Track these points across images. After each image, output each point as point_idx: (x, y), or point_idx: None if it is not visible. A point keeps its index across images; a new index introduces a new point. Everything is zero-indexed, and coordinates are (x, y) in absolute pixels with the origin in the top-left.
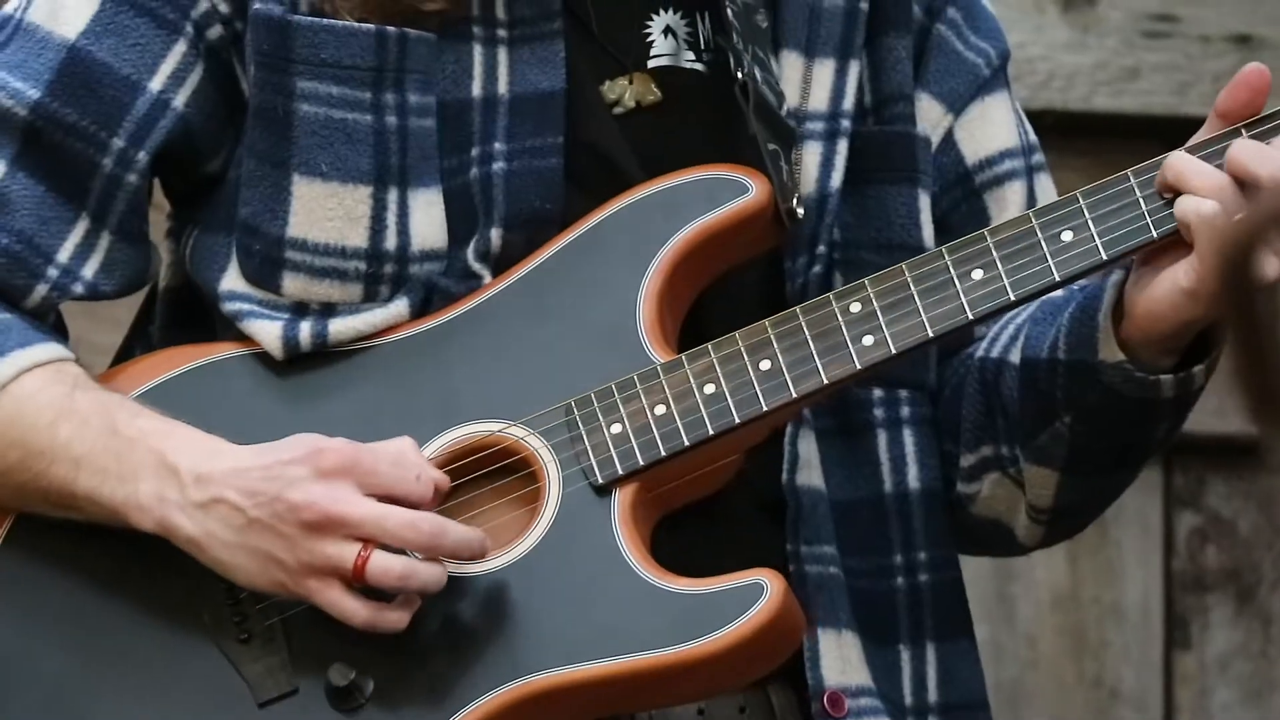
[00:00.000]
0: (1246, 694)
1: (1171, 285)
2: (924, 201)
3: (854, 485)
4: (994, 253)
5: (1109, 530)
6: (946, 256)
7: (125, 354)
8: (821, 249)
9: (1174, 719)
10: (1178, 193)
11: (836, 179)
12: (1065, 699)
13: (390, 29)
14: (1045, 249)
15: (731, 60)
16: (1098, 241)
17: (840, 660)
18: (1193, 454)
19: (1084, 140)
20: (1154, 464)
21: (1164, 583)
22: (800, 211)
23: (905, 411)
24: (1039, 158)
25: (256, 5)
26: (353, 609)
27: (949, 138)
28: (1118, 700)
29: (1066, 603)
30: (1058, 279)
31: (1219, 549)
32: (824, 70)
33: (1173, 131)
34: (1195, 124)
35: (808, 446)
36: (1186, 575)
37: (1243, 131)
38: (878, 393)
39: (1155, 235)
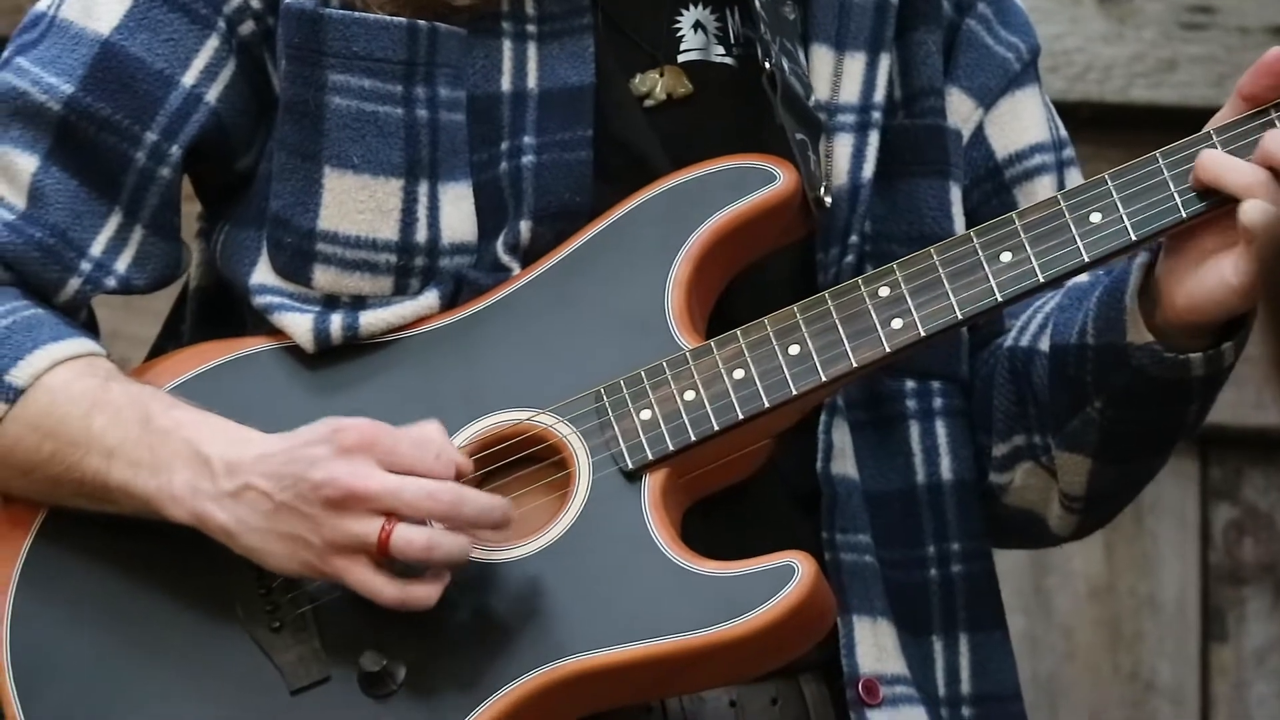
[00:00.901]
0: None
1: (1219, 282)
2: (955, 194)
3: (886, 476)
4: (1022, 235)
5: (1145, 522)
6: (975, 239)
7: (158, 353)
8: (854, 240)
9: (1210, 712)
10: (1211, 189)
11: (868, 170)
12: (1101, 691)
13: (421, 23)
14: (1074, 230)
15: (759, 50)
16: (1127, 223)
17: (876, 648)
18: (1229, 446)
19: (1121, 132)
20: (1190, 456)
21: (1200, 575)
22: (828, 200)
23: (938, 403)
24: (1069, 152)
25: None
26: (381, 585)
27: (979, 132)
28: (1154, 693)
29: (1103, 595)
30: (1087, 260)
31: (1256, 541)
32: (855, 63)
33: None
34: None
35: (841, 436)
36: (1223, 568)
37: (1273, 113)
38: (910, 384)
39: (1184, 215)
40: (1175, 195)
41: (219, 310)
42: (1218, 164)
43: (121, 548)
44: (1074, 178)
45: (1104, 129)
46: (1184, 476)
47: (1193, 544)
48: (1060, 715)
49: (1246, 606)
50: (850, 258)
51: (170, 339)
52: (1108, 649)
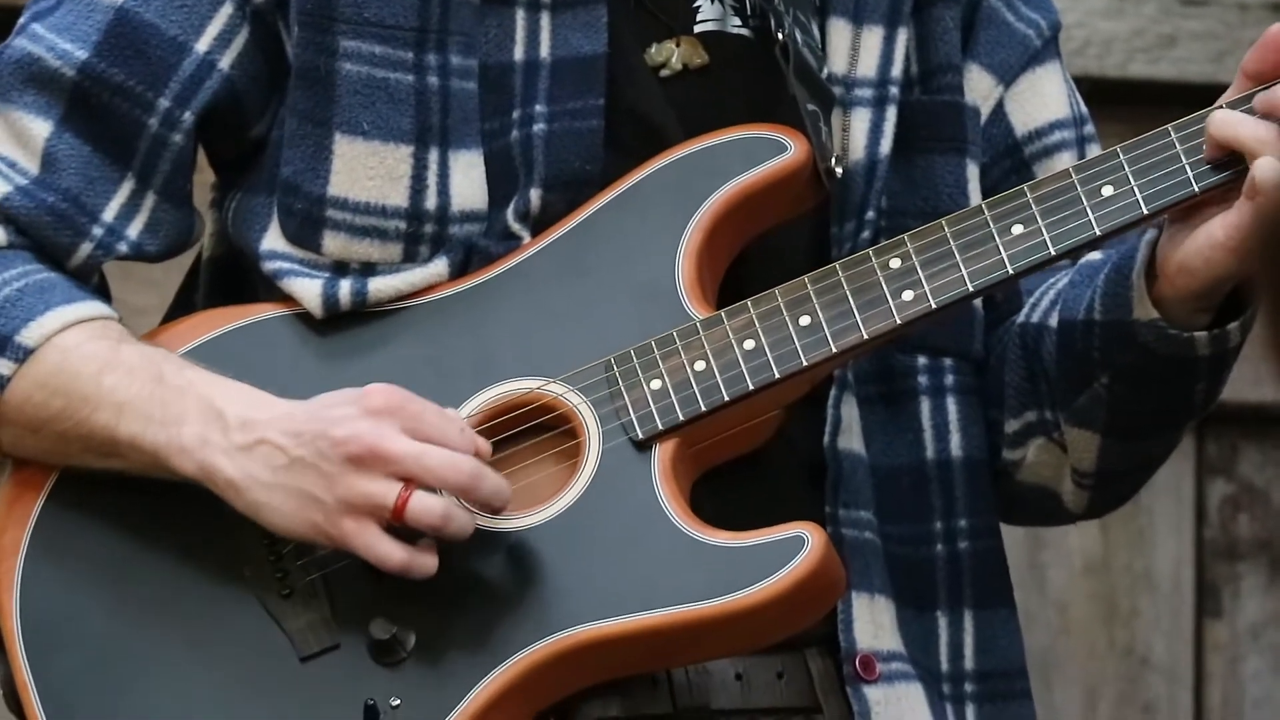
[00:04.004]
0: (1278, 662)
1: (1206, 239)
2: (972, 171)
3: (895, 452)
4: (1034, 207)
5: (1141, 498)
6: (986, 212)
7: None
8: (870, 215)
9: (1204, 687)
10: (1228, 151)
11: (885, 145)
12: (1096, 667)
13: None
14: (1085, 203)
15: (772, 21)
16: (1138, 195)
17: (873, 624)
18: (1226, 423)
19: (1120, 108)
20: (1187, 432)
21: (1195, 551)
22: (839, 171)
23: (949, 380)
24: (1090, 128)
25: None
26: (390, 550)
27: (999, 109)
28: (1148, 668)
29: (1098, 570)
30: (1098, 233)
31: (1251, 517)
32: (872, 37)
33: (1209, 99)
34: None
35: (849, 411)
36: (1218, 544)
37: None
38: (922, 360)
39: (1197, 189)
40: (1188, 168)
41: (231, 280)
42: (1232, 120)
43: (132, 512)
44: (1094, 154)
45: (1103, 104)
46: (1180, 452)
47: (1188, 520)
48: (1055, 690)
49: (1241, 582)
50: (866, 233)
51: (182, 309)
52: (1102, 624)
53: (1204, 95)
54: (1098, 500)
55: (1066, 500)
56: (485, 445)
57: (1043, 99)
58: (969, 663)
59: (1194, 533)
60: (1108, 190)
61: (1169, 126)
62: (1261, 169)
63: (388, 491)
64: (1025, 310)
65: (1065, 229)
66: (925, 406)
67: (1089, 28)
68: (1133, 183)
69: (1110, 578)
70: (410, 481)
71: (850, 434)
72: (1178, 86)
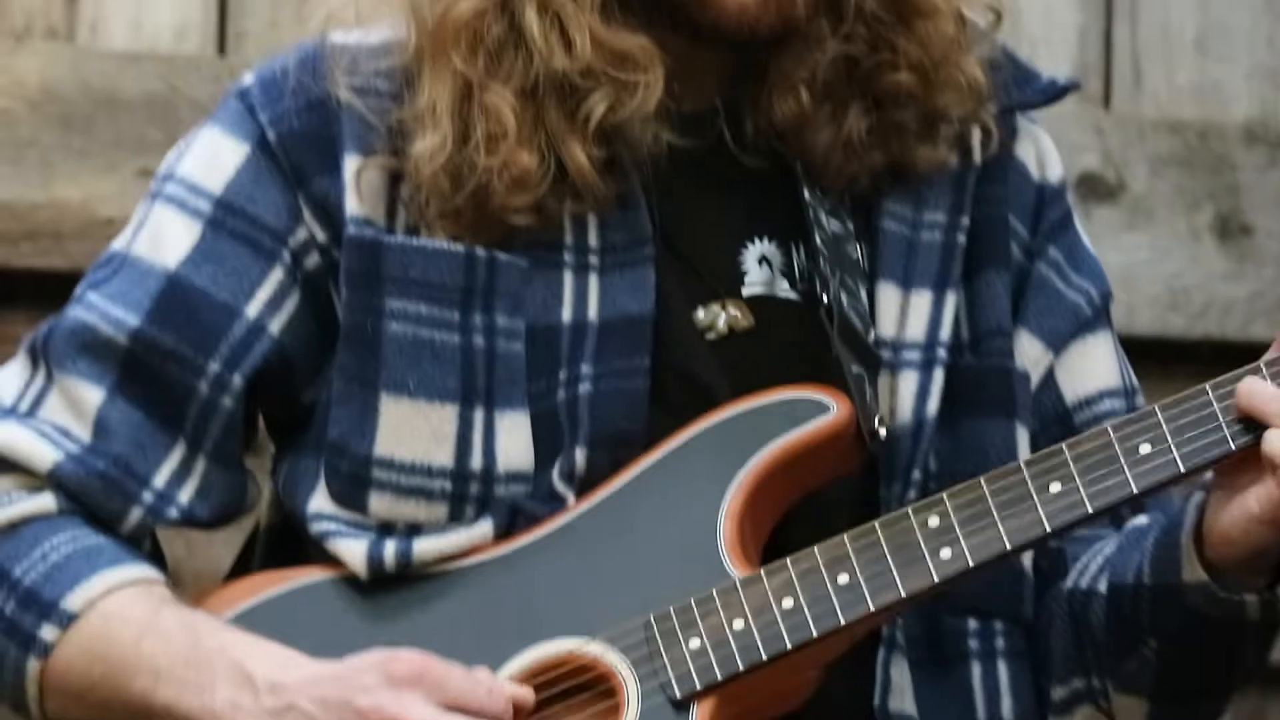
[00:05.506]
0: None
1: (1243, 512)
2: (1021, 436)
3: (948, 714)
4: (1072, 465)
5: None
6: (1025, 470)
7: None
8: (916, 476)
9: None
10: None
11: (932, 407)
12: None
13: (480, 252)
14: (1123, 461)
15: (818, 284)
16: (1175, 454)
17: None
18: None
19: None
20: None
21: None
22: (883, 433)
23: (1000, 644)
24: (1140, 400)
25: (350, 229)
26: None
27: (1049, 376)
28: None
29: None
30: (1135, 491)
31: None
32: (921, 300)
33: None
34: None
35: (900, 673)
36: None
37: None
38: (973, 624)
39: (1233, 448)
40: (1224, 427)
41: (286, 546)
42: (1258, 392)
43: None
44: None
45: (1229, 368)
46: None
47: None
48: None
49: None
50: (913, 494)
51: (238, 576)
52: None
53: None
54: None
55: None
56: (522, 693)
57: (1093, 367)
58: None
59: None
60: (1145, 448)
61: (1206, 385)
62: (1270, 442)
63: None
64: (1073, 576)
65: (1102, 486)
66: (976, 670)
67: (1208, 291)
68: (1170, 441)
69: None
70: None
71: (902, 696)
72: None
